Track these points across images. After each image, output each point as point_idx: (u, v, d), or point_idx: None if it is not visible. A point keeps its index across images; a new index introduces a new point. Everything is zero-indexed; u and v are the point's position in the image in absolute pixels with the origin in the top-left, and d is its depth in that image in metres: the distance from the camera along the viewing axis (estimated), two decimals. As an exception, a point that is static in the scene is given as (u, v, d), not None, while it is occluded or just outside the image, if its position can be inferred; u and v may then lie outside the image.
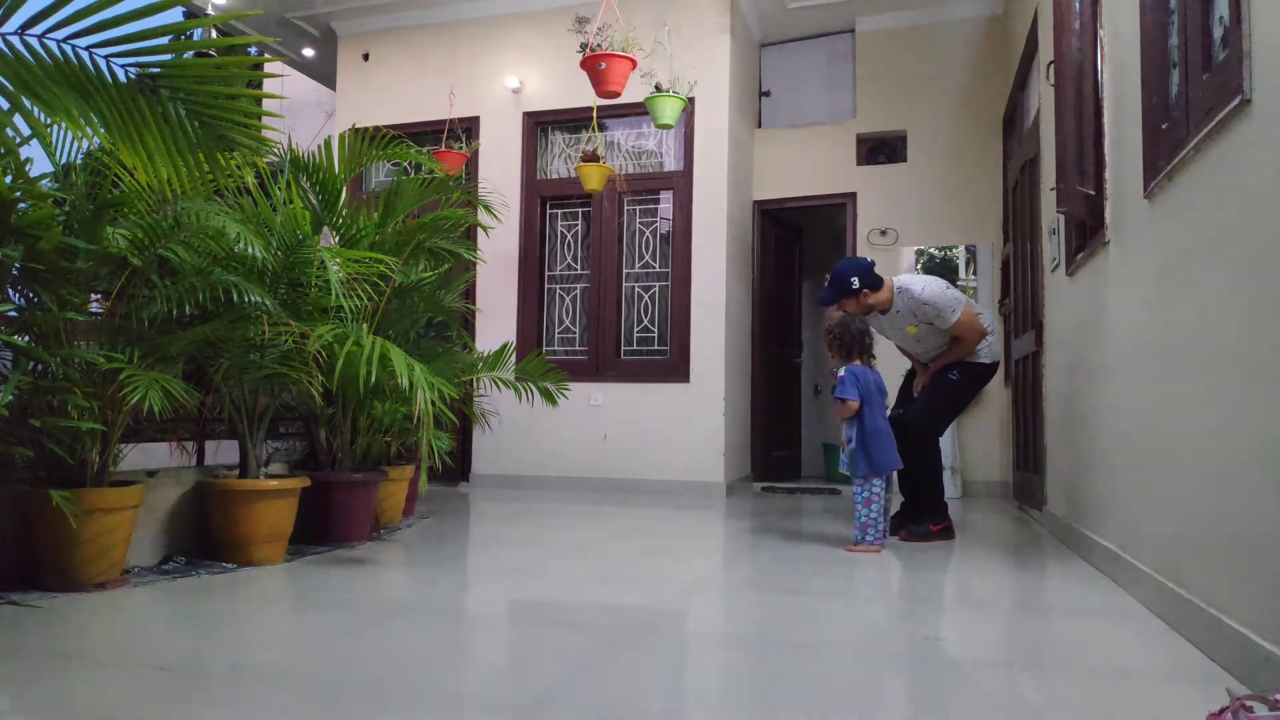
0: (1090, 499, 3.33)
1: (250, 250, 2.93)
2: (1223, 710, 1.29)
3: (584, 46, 4.54)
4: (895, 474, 3.83)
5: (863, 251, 6.35)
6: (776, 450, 6.88)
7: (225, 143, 2.04)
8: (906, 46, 6.34)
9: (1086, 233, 3.42)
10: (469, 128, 6.31)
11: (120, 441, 2.78)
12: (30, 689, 1.72)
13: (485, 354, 4.47)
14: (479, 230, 5.31)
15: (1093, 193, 3.18)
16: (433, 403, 2.96)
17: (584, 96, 5.35)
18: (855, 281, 3.75)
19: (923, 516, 3.87)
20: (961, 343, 3.89)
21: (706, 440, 5.68)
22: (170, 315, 2.84)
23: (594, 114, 5.57)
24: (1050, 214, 4.03)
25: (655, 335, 6.05)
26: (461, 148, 5.83)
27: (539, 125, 6.32)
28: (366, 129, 3.80)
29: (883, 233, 6.32)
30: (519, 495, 5.60)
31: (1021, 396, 5.12)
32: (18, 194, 2.43)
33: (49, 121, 2.47)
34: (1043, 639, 2.34)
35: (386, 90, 6.59)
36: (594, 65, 4.50)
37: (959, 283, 6.21)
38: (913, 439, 3.82)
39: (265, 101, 5.71)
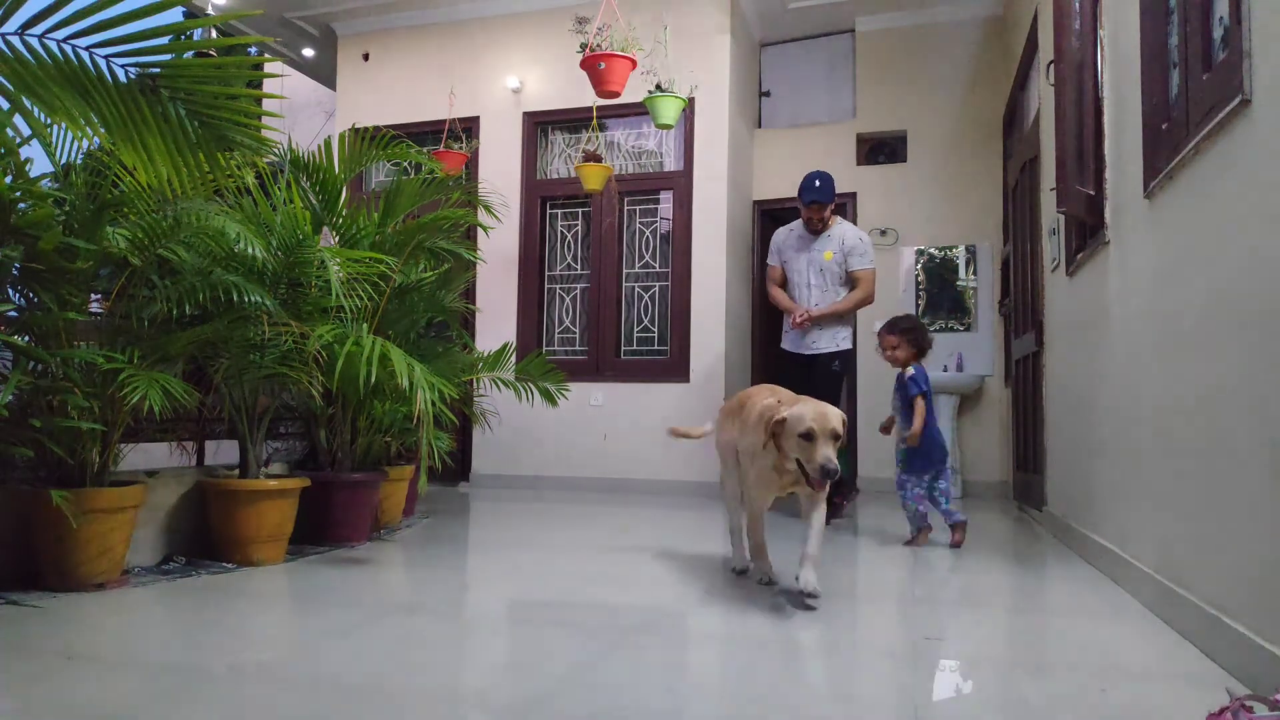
0: (1090, 499, 3.33)
1: (250, 250, 2.93)
2: (1223, 710, 1.29)
3: (584, 46, 4.54)
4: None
5: (863, 251, 6.36)
6: (776, 450, 6.87)
7: (225, 143, 2.04)
8: (906, 46, 6.34)
9: (1086, 233, 3.43)
10: (469, 128, 6.30)
11: (120, 441, 2.78)
12: (30, 689, 1.72)
13: (485, 354, 4.46)
14: (479, 230, 5.31)
15: (1093, 193, 3.18)
16: (433, 403, 2.96)
17: (584, 96, 5.35)
18: (834, 192, 4.44)
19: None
20: (859, 291, 4.43)
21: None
22: (170, 315, 2.84)
23: (594, 114, 5.57)
24: (1050, 214, 4.03)
25: (655, 335, 6.05)
26: (461, 148, 5.83)
27: (539, 125, 6.32)
28: (366, 129, 3.80)
29: (883, 233, 6.32)
30: (519, 495, 5.60)
31: (1021, 396, 5.12)
32: (18, 194, 2.43)
33: (49, 121, 2.47)
34: (1043, 639, 2.34)
35: (386, 90, 6.59)
36: (594, 65, 4.50)
37: (959, 283, 6.21)
38: None
39: (265, 101, 5.72)
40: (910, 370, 3.69)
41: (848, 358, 4.54)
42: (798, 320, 4.41)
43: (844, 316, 4.51)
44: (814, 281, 4.49)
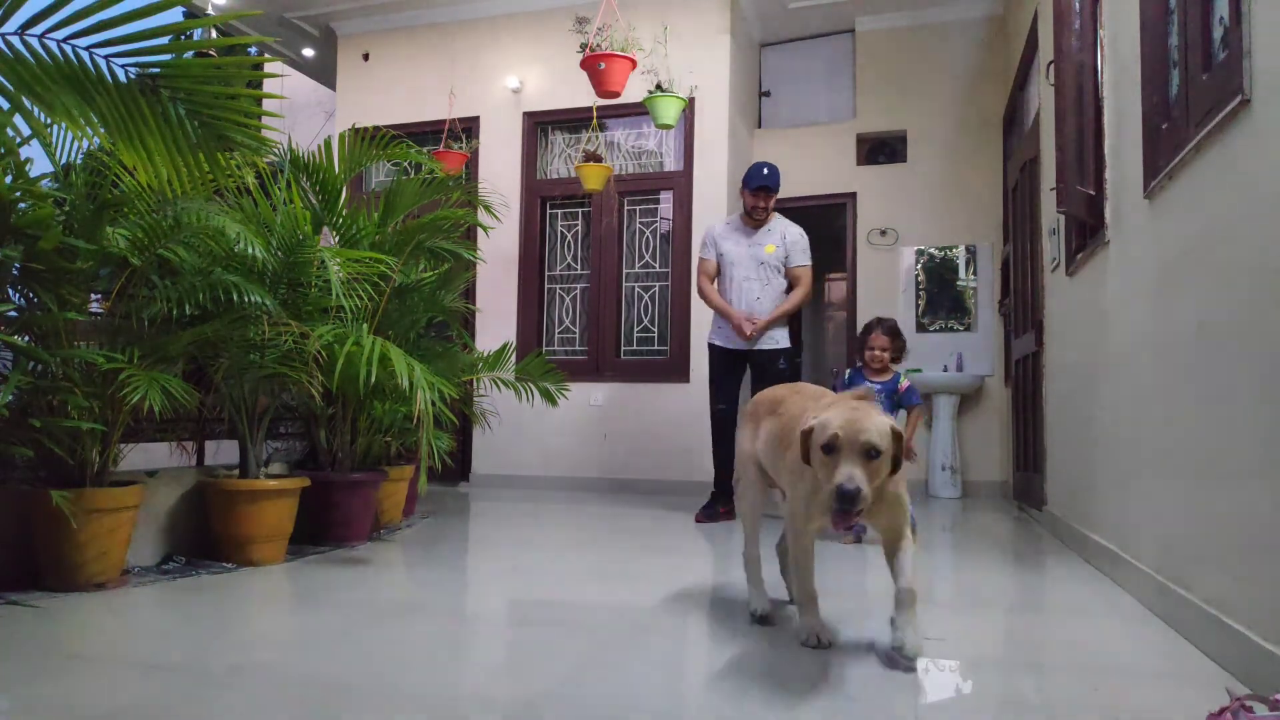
0: (1090, 499, 3.33)
1: (250, 250, 2.92)
2: (1223, 710, 1.29)
3: (584, 46, 4.54)
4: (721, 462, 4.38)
5: (863, 251, 6.37)
6: (776, 450, 6.88)
7: (225, 143, 2.04)
8: (906, 46, 6.34)
9: (1086, 233, 3.43)
10: (469, 128, 6.31)
11: (120, 441, 2.78)
12: (30, 689, 1.72)
13: (485, 354, 4.47)
14: (479, 230, 5.31)
15: (1093, 193, 3.18)
16: (433, 403, 2.96)
17: (584, 96, 5.35)
18: (779, 183, 4.45)
19: (723, 500, 4.38)
20: (802, 289, 4.44)
21: (706, 440, 5.66)
22: (170, 315, 2.84)
23: (594, 114, 5.57)
24: (1050, 214, 4.03)
25: (655, 335, 6.05)
26: (461, 148, 5.83)
27: (539, 125, 6.32)
28: (366, 129, 3.80)
29: (883, 233, 6.32)
30: (519, 495, 5.60)
31: (1021, 396, 5.12)
32: (18, 194, 2.43)
33: (49, 121, 2.47)
34: (1043, 639, 2.34)
35: (386, 90, 6.59)
36: (594, 65, 4.50)
37: (959, 283, 6.21)
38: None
39: (265, 101, 5.72)
40: (906, 380, 3.73)
41: (791, 356, 4.50)
42: (748, 332, 4.34)
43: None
44: (754, 275, 4.43)
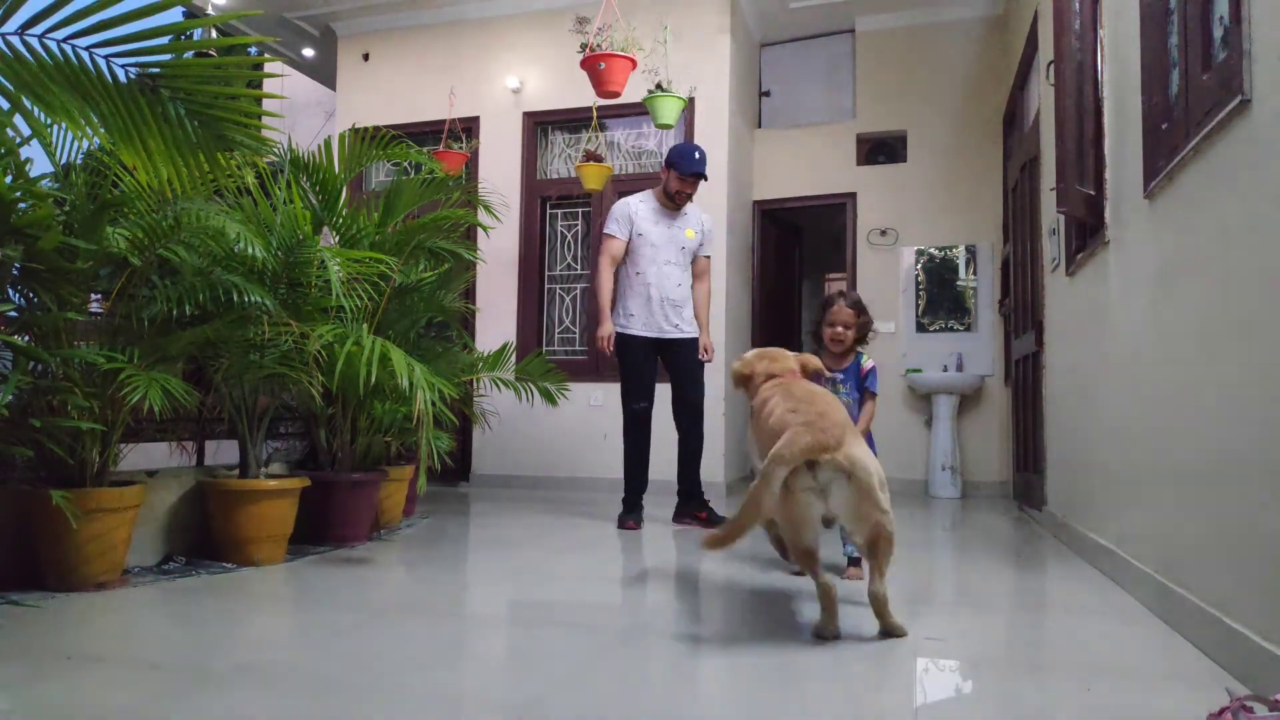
0: (1090, 499, 3.33)
1: (250, 250, 2.93)
2: (1223, 710, 1.29)
3: (584, 46, 4.54)
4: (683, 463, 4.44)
5: (863, 252, 6.37)
6: (776, 450, 6.86)
7: (225, 143, 2.04)
8: (906, 46, 6.34)
9: (1086, 233, 3.43)
10: (469, 128, 6.31)
11: (120, 441, 2.78)
12: (30, 689, 1.72)
13: (485, 354, 4.47)
14: (479, 230, 5.31)
15: (1093, 193, 3.18)
16: (433, 403, 2.96)
17: (584, 96, 5.34)
18: None
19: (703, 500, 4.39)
20: (707, 284, 4.41)
21: (706, 440, 5.66)
22: (170, 315, 2.84)
23: (594, 114, 5.57)
24: (1050, 214, 4.03)
25: (655, 335, 6.04)
26: (461, 148, 5.83)
27: (539, 125, 6.32)
28: (366, 129, 3.80)
29: (883, 233, 6.32)
30: (519, 495, 5.59)
31: (1021, 396, 5.12)
32: (18, 194, 2.43)
33: (49, 121, 2.47)
34: (1043, 639, 2.34)
35: (386, 90, 6.59)
36: (594, 65, 4.50)
37: (959, 283, 6.21)
38: (698, 420, 4.42)
39: (265, 101, 5.71)
40: (870, 361, 3.08)
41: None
42: (706, 357, 4.34)
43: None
44: (675, 260, 4.26)
